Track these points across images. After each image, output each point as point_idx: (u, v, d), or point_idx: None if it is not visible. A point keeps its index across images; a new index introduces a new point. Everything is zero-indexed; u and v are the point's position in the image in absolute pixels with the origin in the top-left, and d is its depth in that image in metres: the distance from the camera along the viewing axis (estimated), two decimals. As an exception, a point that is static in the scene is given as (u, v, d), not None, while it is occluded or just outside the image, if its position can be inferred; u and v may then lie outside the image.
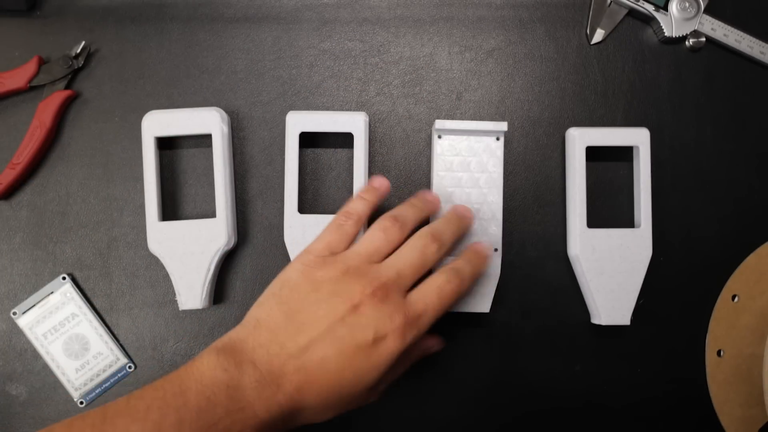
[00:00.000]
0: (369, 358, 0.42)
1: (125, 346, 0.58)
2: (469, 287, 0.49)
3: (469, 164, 0.57)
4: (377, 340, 0.42)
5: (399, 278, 0.45)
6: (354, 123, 0.56)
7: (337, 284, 0.44)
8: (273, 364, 0.41)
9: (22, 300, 0.58)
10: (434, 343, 0.53)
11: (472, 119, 0.60)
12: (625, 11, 0.60)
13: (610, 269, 0.56)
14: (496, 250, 0.56)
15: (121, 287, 0.58)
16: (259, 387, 0.41)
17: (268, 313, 0.44)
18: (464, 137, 0.57)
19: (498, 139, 0.57)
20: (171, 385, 0.40)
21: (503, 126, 0.56)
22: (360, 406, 0.46)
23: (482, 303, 0.56)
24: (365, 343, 0.42)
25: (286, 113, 0.57)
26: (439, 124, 0.56)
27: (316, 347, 0.42)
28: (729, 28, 0.60)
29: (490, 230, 0.57)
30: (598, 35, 0.60)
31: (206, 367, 0.41)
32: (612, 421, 0.59)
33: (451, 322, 0.58)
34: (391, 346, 0.43)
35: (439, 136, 0.57)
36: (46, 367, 0.58)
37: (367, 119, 0.57)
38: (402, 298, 0.45)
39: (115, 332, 0.58)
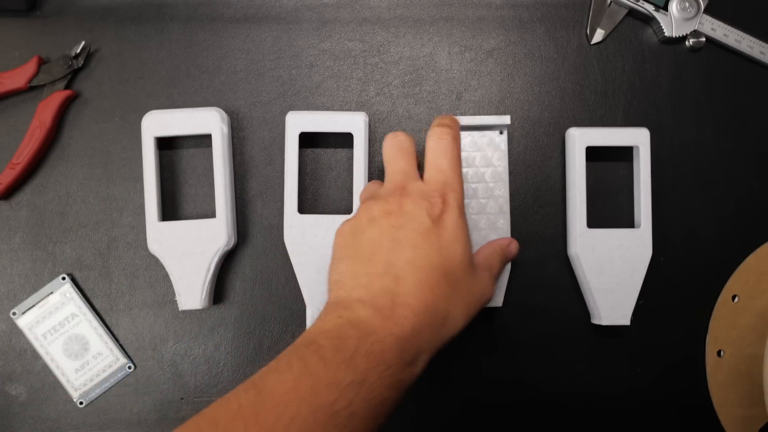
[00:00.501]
0: (440, 236, 0.44)
1: (125, 347, 0.58)
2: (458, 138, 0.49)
3: (473, 159, 0.56)
4: (433, 218, 0.44)
5: (408, 169, 0.48)
6: (354, 123, 0.56)
7: (371, 209, 0.46)
8: (372, 290, 0.42)
9: (22, 300, 0.58)
10: (510, 243, 0.54)
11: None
12: (625, 11, 0.60)
13: (610, 269, 0.56)
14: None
15: (120, 287, 0.58)
16: (375, 312, 0.41)
17: (339, 263, 0.45)
18: (467, 133, 0.56)
19: (501, 132, 0.56)
20: (300, 343, 0.41)
21: (506, 120, 0.55)
22: (484, 297, 0.47)
23: (495, 297, 0.56)
24: (426, 227, 0.44)
25: (286, 113, 0.57)
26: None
27: (393, 257, 0.43)
28: (729, 28, 0.60)
29: (498, 224, 0.57)
30: (598, 35, 0.60)
31: (322, 322, 0.42)
32: (612, 421, 0.59)
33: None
34: (449, 215, 0.45)
35: None
36: (45, 367, 0.58)
37: (367, 119, 0.57)
38: (420, 181, 0.47)
39: (115, 332, 0.58)
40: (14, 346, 0.58)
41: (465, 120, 0.55)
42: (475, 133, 0.56)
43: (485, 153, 0.57)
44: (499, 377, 0.58)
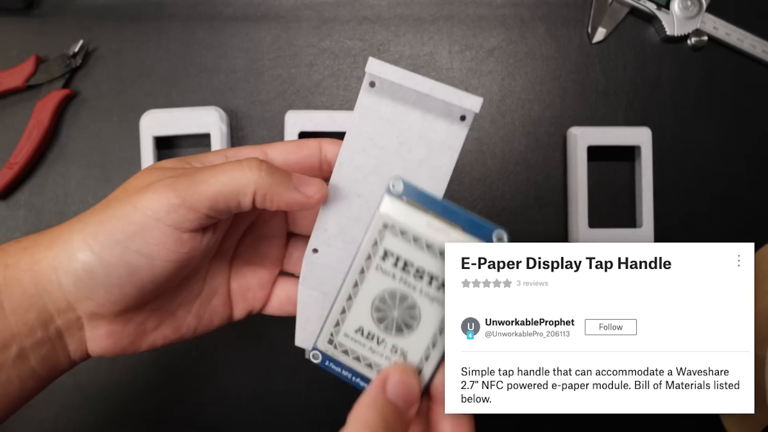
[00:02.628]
0: None
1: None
2: None
3: (404, 146, 0.34)
4: None
5: None
6: (354, 122, 0.56)
7: None
8: None
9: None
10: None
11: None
12: (626, 10, 0.60)
13: (612, 270, 0.56)
14: None
15: (119, 288, 0.58)
16: None
17: None
18: (414, 109, 0.34)
19: (463, 119, 0.34)
20: None
21: (475, 104, 0.33)
22: None
23: None
24: None
25: (285, 112, 0.56)
26: (376, 66, 0.33)
27: None
28: (731, 26, 0.59)
29: None
30: (600, 34, 0.60)
31: None
32: (612, 421, 0.59)
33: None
34: None
35: (372, 84, 0.34)
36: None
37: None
38: None
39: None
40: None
41: (412, 80, 0.33)
42: (427, 115, 0.34)
43: (429, 143, 0.34)
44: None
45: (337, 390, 0.58)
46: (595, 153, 0.57)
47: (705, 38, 0.59)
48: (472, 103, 0.33)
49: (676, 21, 0.59)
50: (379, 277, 0.31)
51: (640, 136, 0.57)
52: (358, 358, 0.32)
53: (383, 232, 0.31)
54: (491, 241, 0.30)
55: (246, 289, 0.38)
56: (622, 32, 0.60)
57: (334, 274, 0.34)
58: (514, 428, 0.58)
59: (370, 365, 0.32)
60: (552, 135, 0.59)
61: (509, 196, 0.59)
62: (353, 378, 0.33)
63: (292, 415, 0.58)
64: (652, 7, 0.59)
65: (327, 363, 0.33)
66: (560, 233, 0.59)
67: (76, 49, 0.58)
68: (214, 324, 0.37)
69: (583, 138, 0.57)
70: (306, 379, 0.58)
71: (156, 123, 0.56)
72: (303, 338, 0.36)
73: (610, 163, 0.59)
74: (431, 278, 0.31)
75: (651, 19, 0.60)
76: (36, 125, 0.57)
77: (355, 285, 0.32)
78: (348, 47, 0.60)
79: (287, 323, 0.58)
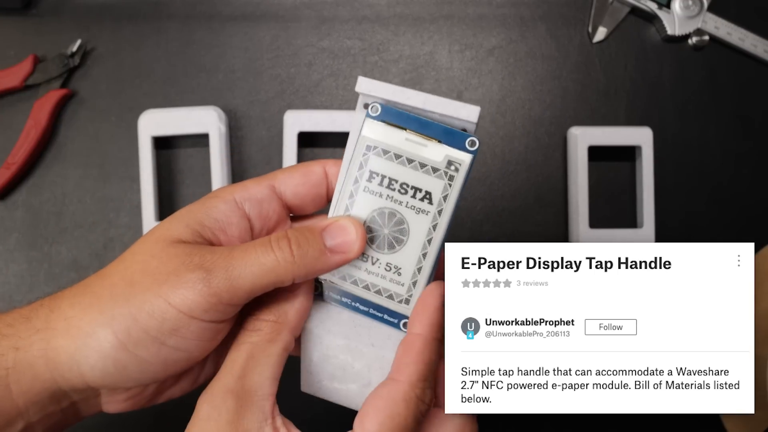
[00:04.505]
0: None
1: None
2: None
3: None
4: None
5: None
6: (353, 122, 0.56)
7: None
8: None
9: (18, 301, 0.57)
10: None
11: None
12: (627, 9, 0.59)
13: (613, 270, 0.56)
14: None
15: (117, 288, 0.58)
16: None
17: None
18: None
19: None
20: None
21: (472, 113, 0.32)
22: None
23: None
24: None
25: (285, 112, 0.56)
26: (367, 85, 0.33)
27: None
28: (732, 26, 0.59)
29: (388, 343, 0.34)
30: (600, 33, 0.60)
31: None
32: (613, 422, 0.58)
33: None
34: None
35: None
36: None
37: (367, 118, 0.56)
38: None
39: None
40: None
41: (401, 96, 0.32)
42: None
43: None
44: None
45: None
46: (596, 153, 0.57)
47: (706, 38, 0.59)
48: (469, 113, 0.32)
49: (677, 20, 0.59)
50: (367, 197, 0.32)
51: (641, 136, 0.57)
52: (355, 282, 0.33)
53: (367, 154, 0.32)
54: (465, 149, 0.31)
55: None
56: (623, 32, 0.60)
57: (339, 316, 0.34)
58: (515, 428, 0.58)
59: (367, 287, 0.33)
60: (552, 135, 0.59)
61: (509, 196, 0.59)
62: (353, 304, 0.33)
63: (291, 416, 0.58)
64: (653, 6, 0.59)
65: (328, 293, 0.34)
66: (560, 233, 0.58)
67: (74, 49, 0.58)
68: None
69: (583, 138, 0.56)
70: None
71: (154, 123, 0.56)
72: (309, 382, 0.36)
73: (611, 163, 0.59)
74: (415, 191, 0.32)
75: (652, 18, 0.60)
76: (34, 125, 0.57)
77: (346, 210, 0.33)
78: (347, 47, 0.60)
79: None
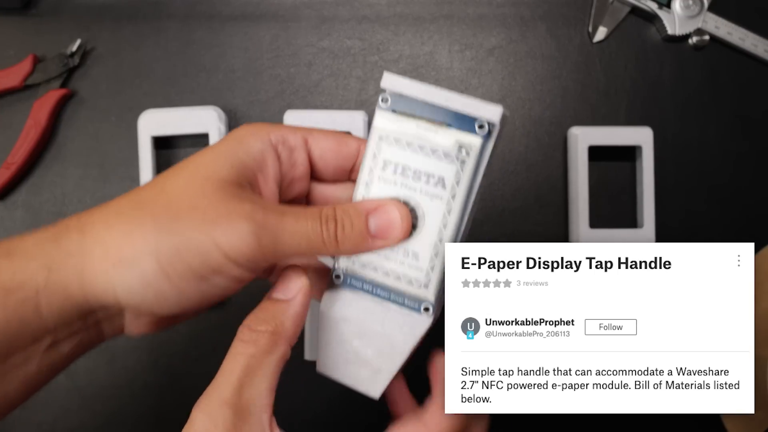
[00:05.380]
0: None
1: (119, 349, 0.58)
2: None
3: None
4: None
5: None
6: (353, 122, 0.56)
7: None
8: None
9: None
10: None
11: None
12: (627, 9, 0.59)
13: (613, 270, 0.56)
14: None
15: (117, 288, 0.58)
16: None
17: None
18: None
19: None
20: None
21: (494, 112, 0.31)
22: None
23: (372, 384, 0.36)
24: None
25: (284, 112, 0.56)
26: (392, 80, 0.33)
27: None
28: (733, 26, 0.59)
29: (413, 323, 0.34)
30: (601, 33, 0.60)
31: None
32: (613, 422, 0.58)
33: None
34: None
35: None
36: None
37: (367, 118, 0.56)
38: None
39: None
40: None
41: (415, 90, 0.32)
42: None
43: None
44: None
45: (337, 390, 0.58)
46: (596, 153, 0.57)
47: (706, 37, 0.59)
48: (491, 114, 0.31)
49: (677, 20, 0.59)
50: (382, 186, 0.33)
51: (641, 136, 0.57)
52: (375, 269, 0.34)
53: (380, 144, 0.33)
54: (474, 132, 0.31)
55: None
56: (623, 31, 0.60)
57: (356, 303, 0.35)
58: (515, 428, 0.58)
59: (387, 273, 0.33)
60: (552, 135, 0.59)
61: (509, 196, 0.59)
62: (373, 289, 0.34)
63: (291, 416, 0.58)
64: (653, 6, 0.59)
65: (349, 281, 0.34)
66: (561, 233, 0.58)
67: (74, 49, 0.58)
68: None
69: (583, 138, 0.56)
70: (305, 380, 0.58)
71: (154, 123, 0.56)
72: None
73: (611, 163, 0.59)
74: (428, 177, 0.32)
75: (652, 18, 0.60)
76: (33, 125, 0.57)
77: (363, 199, 0.33)
78: (347, 46, 0.60)
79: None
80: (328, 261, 0.37)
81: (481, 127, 0.31)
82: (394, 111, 0.32)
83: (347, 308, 0.35)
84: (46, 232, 0.31)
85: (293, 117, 0.55)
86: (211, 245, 0.29)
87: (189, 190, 0.30)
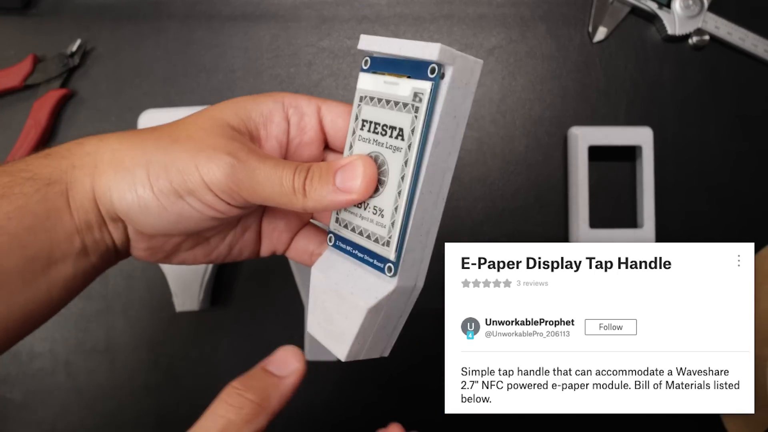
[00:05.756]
0: None
1: (121, 348, 0.58)
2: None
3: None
4: None
5: None
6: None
7: None
8: None
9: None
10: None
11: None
12: (627, 9, 0.59)
13: (613, 270, 0.56)
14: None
15: (117, 289, 0.58)
16: None
17: None
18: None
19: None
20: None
21: (433, 50, 0.29)
22: None
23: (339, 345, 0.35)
24: None
25: (285, 112, 0.56)
26: (365, 41, 0.34)
27: None
28: (732, 26, 0.59)
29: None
30: (601, 33, 0.60)
31: None
32: (613, 422, 0.58)
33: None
34: None
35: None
36: (41, 369, 0.57)
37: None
38: None
39: (111, 334, 0.58)
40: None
41: (369, 42, 0.33)
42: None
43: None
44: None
45: (337, 390, 0.58)
46: (596, 153, 0.57)
47: (706, 37, 0.59)
48: (431, 51, 0.29)
49: (677, 20, 0.59)
50: (361, 145, 0.33)
51: (641, 136, 0.57)
52: (353, 228, 0.34)
53: (360, 105, 0.33)
54: (426, 77, 0.30)
55: (273, 229, 0.39)
56: (623, 31, 0.60)
57: (339, 265, 0.35)
58: (514, 428, 0.58)
59: (360, 232, 0.33)
60: (553, 135, 0.59)
61: (510, 196, 0.59)
62: (352, 251, 0.34)
63: (291, 416, 0.58)
64: (654, 6, 0.59)
65: (337, 243, 0.35)
66: (561, 233, 0.58)
67: (74, 49, 0.58)
68: (242, 255, 0.40)
69: (583, 138, 0.56)
70: (305, 380, 0.58)
71: (154, 123, 0.55)
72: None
73: (611, 162, 0.59)
74: (391, 130, 0.31)
75: (652, 18, 0.60)
76: (34, 125, 0.57)
77: None
78: (347, 46, 0.60)
79: (287, 325, 0.58)
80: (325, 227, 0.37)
81: (432, 71, 0.30)
82: (372, 71, 0.33)
83: (329, 270, 0.35)
84: (75, 141, 0.35)
85: (293, 117, 0.55)
86: (192, 167, 0.32)
87: (192, 124, 0.34)
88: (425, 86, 0.30)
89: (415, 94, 0.30)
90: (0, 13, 0.59)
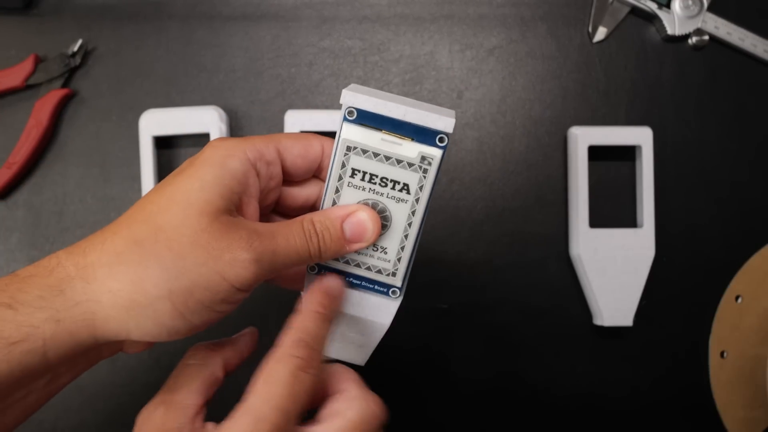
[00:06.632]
0: None
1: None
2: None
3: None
4: None
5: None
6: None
7: None
8: None
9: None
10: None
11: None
12: (627, 9, 0.59)
13: (613, 269, 0.56)
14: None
15: (118, 288, 0.58)
16: None
17: None
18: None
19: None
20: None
21: (447, 122, 0.34)
22: None
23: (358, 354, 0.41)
24: None
25: (285, 112, 0.56)
26: (351, 98, 0.34)
27: None
28: (732, 26, 0.59)
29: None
30: (601, 33, 0.60)
31: None
32: (614, 422, 0.58)
33: (449, 323, 0.57)
34: None
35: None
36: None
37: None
38: None
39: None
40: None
41: (375, 106, 0.34)
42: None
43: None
44: (500, 378, 0.58)
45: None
46: (596, 153, 0.57)
47: (706, 38, 0.59)
48: (445, 124, 0.34)
49: (677, 20, 0.59)
50: (352, 191, 0.36)
51: (641, 136, 0.57)
52: (358, 264, 0.38)
53: (348, 154, 0.35)
54: (436, 145, 0.34)
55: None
56: (623, 31, 0.60)
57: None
58: (512, 428, 0.58)
59: (359, 264, 0.38)
60: (553, 135, 0.59)
61: (510, 196, 0.59)
62: (354, 281, 0.38)
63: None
64: (653, 6, 0.59)
65: (323, 272, 0.39)
66: (561, 233, 0.58)
67: (75, 49, 0.58)
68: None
69: (583, 138, 0.56)
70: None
71: (155, 123, 0.56)
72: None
73: (611, 162, 0.59)
74: (394, 183, 0.35)
75: (652, 18, 0.60)
76: (35, 125, 0.57)
77: (333, 203, 0.36)
78: (348, 46, 0.60)
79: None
80: None
81: (441, 140, 0.34)
82: (360, 124, 0.35)
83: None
84: (47, 279, 0.32)
85: (294, 117, 0.56)
86: (219, 280, 0.31)
87: (187, 226, 0.31)
88: (435, 153, 0.34)
89: (423, 158, 0.34)
90: (1, 13, 0.59)
